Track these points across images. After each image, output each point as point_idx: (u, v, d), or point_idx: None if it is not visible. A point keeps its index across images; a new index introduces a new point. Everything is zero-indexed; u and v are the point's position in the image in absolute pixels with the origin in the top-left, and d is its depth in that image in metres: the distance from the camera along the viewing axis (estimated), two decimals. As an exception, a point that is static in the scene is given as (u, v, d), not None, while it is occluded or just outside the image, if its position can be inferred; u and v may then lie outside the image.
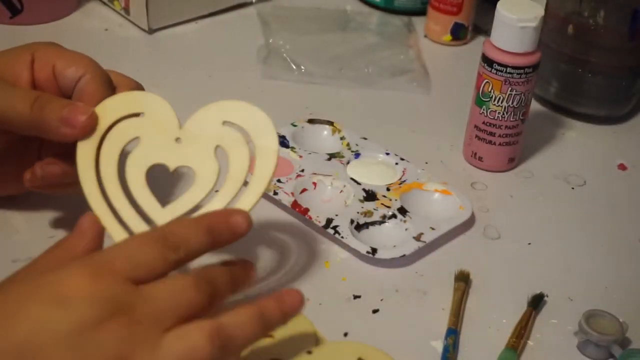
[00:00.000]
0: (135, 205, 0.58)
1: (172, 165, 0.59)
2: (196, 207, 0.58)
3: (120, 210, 0.58)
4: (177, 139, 0.59)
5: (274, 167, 0.58)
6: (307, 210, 0.69)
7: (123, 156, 0.59)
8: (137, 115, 0.60)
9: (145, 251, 0.49)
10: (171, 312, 0.47)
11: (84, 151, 0.59)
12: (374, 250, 0.66)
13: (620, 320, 0.62)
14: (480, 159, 0.78)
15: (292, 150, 0.76)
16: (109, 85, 0.62)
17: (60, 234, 0.65)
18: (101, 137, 0.59)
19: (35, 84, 0.63)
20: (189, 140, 0.59)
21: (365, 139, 0.78)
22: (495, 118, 0.76)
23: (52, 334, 0.44)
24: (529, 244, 0.71)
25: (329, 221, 0.68)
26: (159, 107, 0.60)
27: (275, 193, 0.70)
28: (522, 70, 0.74)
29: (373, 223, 0.70)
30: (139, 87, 0.64)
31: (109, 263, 0.48)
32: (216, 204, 0.57)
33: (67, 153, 0.65)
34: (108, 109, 0.60)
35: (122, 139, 0.59)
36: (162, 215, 0.57)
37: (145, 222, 0.57)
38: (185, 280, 0.48)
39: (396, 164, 0.75)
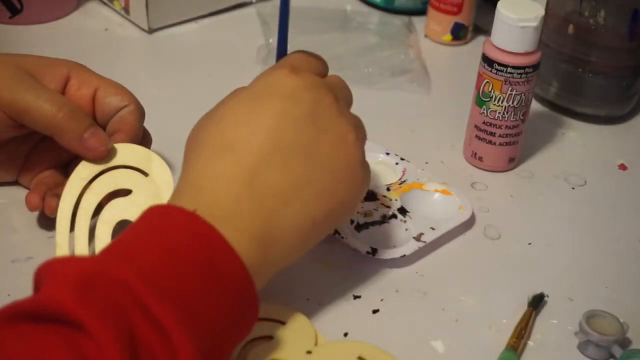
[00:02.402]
0: (91, 239, 0.62)
1: None
2: None
3: (77, 237, 0.62)
4: None
5: None
6: (307, 210, 0.69)
7: (109, 196, 0.63)
8: (142, 171, 0.63)
9: (309, 59, 0.61)
10: (350, 97, 0.62)
11: (82, 171, 0.63)
12: (374, 250, 0.66)
13: (621, 320, 0.62)
14: (480, 159, 0.78)
15: (292, 150, 0.76)
16: (143, 120, 0.67)
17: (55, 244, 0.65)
18: (103, 169, 0.63)
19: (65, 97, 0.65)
20: None
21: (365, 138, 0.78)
22: (496, 118, 0.76)
23: (292, 119, 0.56)
24: (529, 244, 0.71)
25: (329, 221, 0.68)
26: (164, 177, 0.63)
27: (275, 193, 0.70)
28: (522, 70, 0.74)
29: (373, 223, 0.70)
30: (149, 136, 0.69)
31: (295, 64, 0.59)
32: None
33: (59, 161, 0.66)
34: (124, 151, 0.63)
35: (118, 182, 0.63)
36: None
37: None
38: (340, 79, 0.62)
39: (396, 164, 0.75)
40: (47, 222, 0.66)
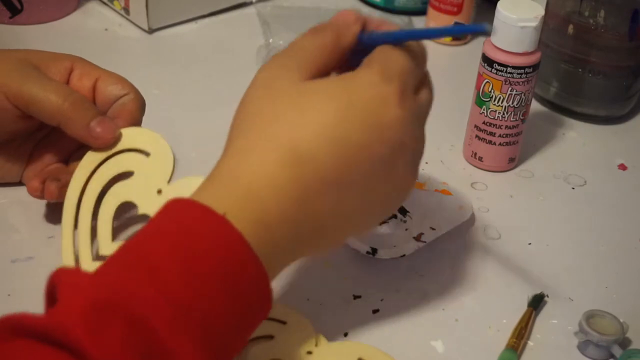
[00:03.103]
0: (94, 222, 0.62)
1: (142, 209, 0.62)
2: None
3: (81, 222, 0.62)
4: (159, 191, 0.61)
5: None
6: (307, 210, 0.69)
7: (112, 181, 0.63)
8: (144, 152, 0.63)
9: (414, 71, 0.58)
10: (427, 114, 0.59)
11: (90, 160, 0.63)
12: (374, 250, 0.66)
13: (621, 320, 0.62)
14: (480, 159, 0.78)
15: (292, 150, 0.76)
16: (143, 109, 0.66)
17: (60, 233, 0.65)
18: (109, 155, 0.63)
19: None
20: (167, 196, 0.61)
21: None
22: (496, 118, 0.76)
23: (372, 158, 0.52)
24: (529, 244, 0.71)
25: (329, 221, 0.68)
26: (165, 156, 0.62)
27: (275, 193, 0.70)
28: (522, 70, 0.74)
29: (373, 223, 0.70)
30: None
31: (402, 81, 0.55)
32: None
33: (63, 157, 0.66)
34: (129, 135, 0.63)
35: (122, 166, 0.63)
36: (107, 246, 0.61)
37: (90, 242, 0.62)
38: (430, 100, 0.60)
39: (396, 164, 0.75)
40: (48, 222, 0.66)
